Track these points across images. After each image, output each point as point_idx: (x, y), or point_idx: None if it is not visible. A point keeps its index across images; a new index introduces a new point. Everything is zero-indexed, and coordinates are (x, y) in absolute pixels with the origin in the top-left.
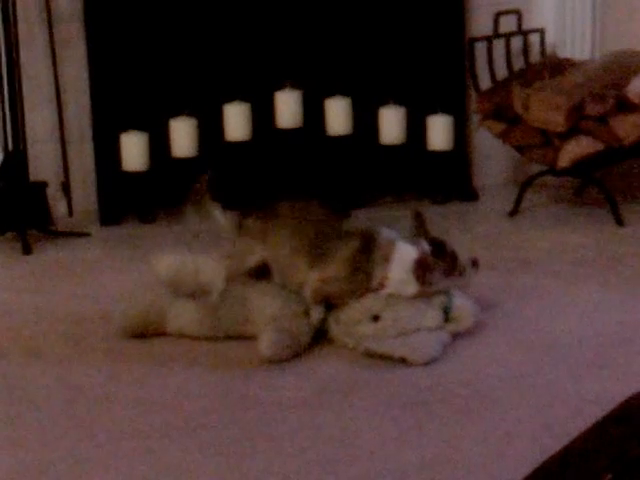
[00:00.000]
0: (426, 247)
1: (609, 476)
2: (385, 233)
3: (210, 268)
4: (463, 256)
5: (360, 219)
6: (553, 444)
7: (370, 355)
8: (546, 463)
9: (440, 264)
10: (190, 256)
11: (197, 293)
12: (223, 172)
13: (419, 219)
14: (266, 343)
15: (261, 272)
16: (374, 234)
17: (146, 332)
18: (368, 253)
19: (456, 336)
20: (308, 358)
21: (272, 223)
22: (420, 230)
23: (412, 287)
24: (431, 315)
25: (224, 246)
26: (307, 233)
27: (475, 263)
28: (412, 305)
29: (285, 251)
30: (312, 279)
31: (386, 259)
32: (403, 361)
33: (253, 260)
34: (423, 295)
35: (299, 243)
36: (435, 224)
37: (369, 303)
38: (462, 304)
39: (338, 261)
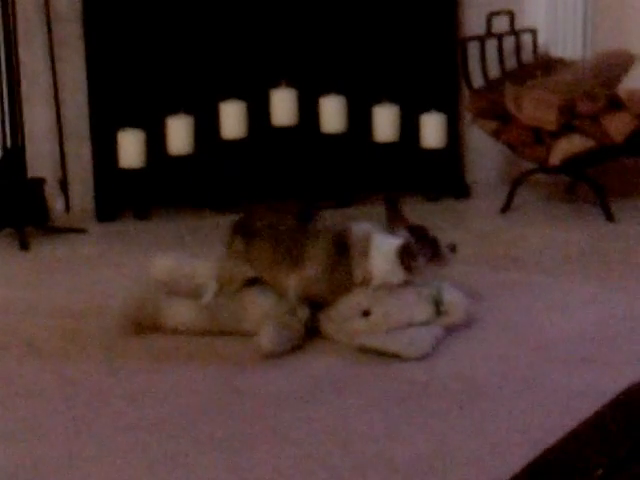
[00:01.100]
0: (407, 235)
1: (600, 471)
2: (357, 228)
3: (206, 271)
4: (442, 242)
5: (328, 217)
6: (545, 438)
7: (364, 350)
8: (538, 458)
9: (423, 250)
10: (186, 259)
11: (192, 294)
12: (219, 169)
13: (392, 205)
14: (267, 337)
15: (252, 282)
16: (345, 230)
17: (142, 327)
18: (343, 250)
19: (448, 331)
20: (302, 353)
21: (252, 240)
22: (396, 217)
23: (398, 276)
24: (421, 308)
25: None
26: (281, 241)
27: (453, 248)
28: (402, 299)
29: (266, 264)
30: (292, 282)
31: (364, 254)
32: (396, 356)
33: (240, 280)
34: (409, 283)
35: (276, 252)
36: (426, 220)
37: (358, 299)
38: (453, 298)
39: (312, 261)
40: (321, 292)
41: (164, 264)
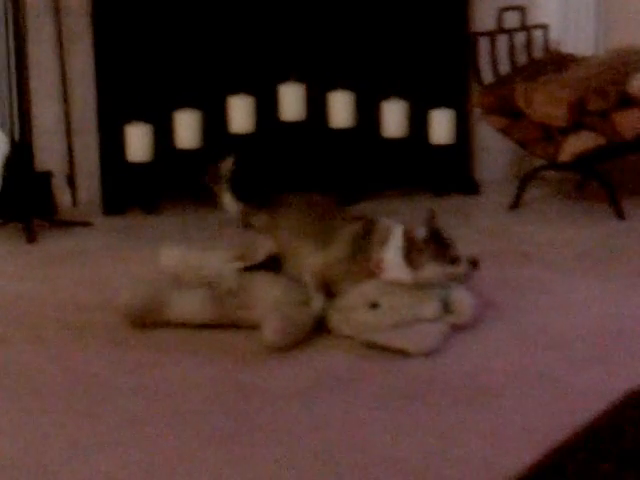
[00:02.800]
0: (420, 231)
1: (608, 467)
2: (387, 222)
3: (214, 264)
4: (462, 252)
5: (364, 208)
6: (552, 436)
7: (370, 346)
8: (546, 455)
9: (430, 248)
10: (195, 251)
11: (199, 285)
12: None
13: (431, 216)
14: (271, 329)
15: (269, 264)
16: (374, 222)
17: (148, 320)
18: (368, 237)
19: (455, 328)
20: (307, 348)
21: (279, 215)
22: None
23: (405, 270)
24: (429, 305)
25: (231, 241)
26: (311, 220)
27: (475, 263)
28: (410, 294)
29: (291, 239)
30: (313, 262)
31: (383, 242)
32: (403, 352)
33: (263, 253)
34: (418, 281)
35: (304, 230)
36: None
37: (367, 289)
38: (461, 296)
39: (339, 242)
40: (340, 275)
41: (172, 254)
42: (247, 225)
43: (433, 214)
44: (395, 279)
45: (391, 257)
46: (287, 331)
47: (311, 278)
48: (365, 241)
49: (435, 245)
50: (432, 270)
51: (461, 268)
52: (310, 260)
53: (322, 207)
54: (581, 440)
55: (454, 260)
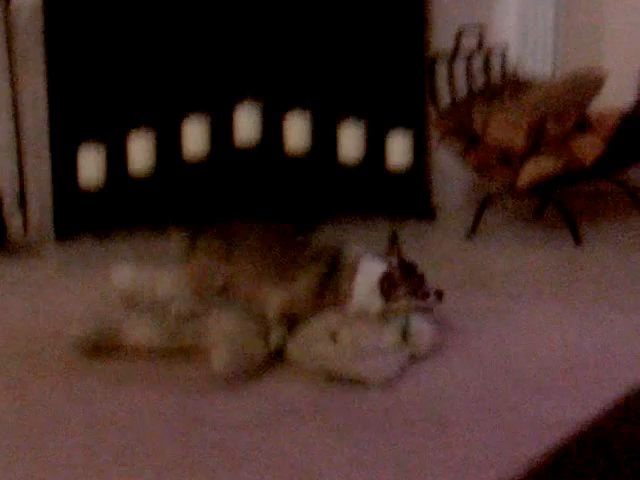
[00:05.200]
0: (394, 264)
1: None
2: (352, 250)
3: (168, 283)
4: (430, 284)
5: (326, 235)
6: (511, 468)
7: (328, 376)
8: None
9: (406, 283)
10: (149, 270)
11: (153, 307)
12: (180, 188)
13: (394, 240)
14: (218, 359)
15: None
16: (340, 252)
17: (101, 346)
18: (335, 271)
19: (414, 358)
20: (265, 379)
21: (235, 243)
22: (393, 250)
23: (376, 302)
24: (389, 335)
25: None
26: (272, 254)
27: (439, 295)
28: (370, 325)
29: (250, 272)
30: (277, 299)
31: (351, 276)
32: (361, 382)
33: (219, 280)
34: (386, 312)
35: (264, 264)
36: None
37: (327, 321)
38: (420, 326)
39: (304, 282)
40: (305, 311)
41: (125, 274)
42: (188, 259)
43: (396, 236)
44: (362, 309)
45: (361, 288)
46: (235, 361)
47: (275, 312)
48: (331, 277)
49: (411, 281)
50: (405, 305)
51: (430, 303)
52: (273, 296)
53: (283, 239)
54: (575, 443)
55: (425, 295)
